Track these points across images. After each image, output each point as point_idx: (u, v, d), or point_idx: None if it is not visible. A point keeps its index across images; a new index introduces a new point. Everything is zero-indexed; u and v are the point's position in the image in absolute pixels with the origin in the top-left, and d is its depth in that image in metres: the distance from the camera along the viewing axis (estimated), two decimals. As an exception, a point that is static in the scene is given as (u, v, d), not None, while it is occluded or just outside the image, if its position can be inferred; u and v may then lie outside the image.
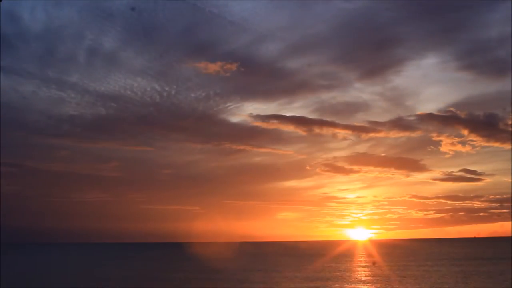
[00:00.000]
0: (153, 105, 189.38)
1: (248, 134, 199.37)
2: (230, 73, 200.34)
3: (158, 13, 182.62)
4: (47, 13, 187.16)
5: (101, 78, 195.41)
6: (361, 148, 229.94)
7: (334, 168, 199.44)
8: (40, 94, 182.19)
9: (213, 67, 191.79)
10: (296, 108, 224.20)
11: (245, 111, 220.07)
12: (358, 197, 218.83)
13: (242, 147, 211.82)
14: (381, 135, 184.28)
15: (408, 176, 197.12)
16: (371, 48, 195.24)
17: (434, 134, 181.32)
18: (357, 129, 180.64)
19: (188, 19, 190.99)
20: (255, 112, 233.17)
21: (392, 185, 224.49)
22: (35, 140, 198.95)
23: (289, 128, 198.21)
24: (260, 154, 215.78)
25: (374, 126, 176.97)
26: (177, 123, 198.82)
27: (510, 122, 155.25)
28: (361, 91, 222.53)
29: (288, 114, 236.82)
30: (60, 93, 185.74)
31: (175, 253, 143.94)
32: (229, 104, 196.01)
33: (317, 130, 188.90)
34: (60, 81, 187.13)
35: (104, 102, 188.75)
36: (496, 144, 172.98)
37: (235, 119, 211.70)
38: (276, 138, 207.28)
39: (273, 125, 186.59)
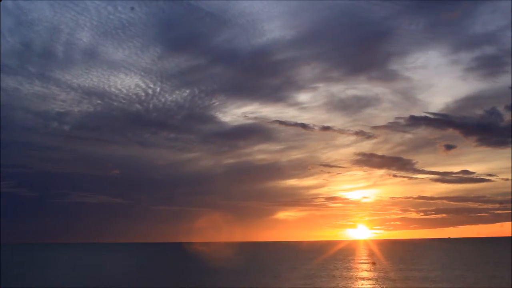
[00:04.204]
0: (139, 102, 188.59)
1: (245, 133, 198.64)
2: (214, 69, 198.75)
3: (134, 7, 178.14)
4: (17, 5, 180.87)
5: (83, 74, 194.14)
6: (362, 148, 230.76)
7: (335, 168, 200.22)
8: (23, 91, 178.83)
9: (197, 63, 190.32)
10: (287, 105, 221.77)
11: (232, 109, 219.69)
12: (360, 197, 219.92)
13: (238, 146, 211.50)
14: (380, 137, 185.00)
15: (409, 177, 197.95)
16: (360, 44, 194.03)
17: (432, 136, 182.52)
18: (358, 132, 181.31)
19: (166, 12, 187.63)
20: (243, 110, 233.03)
21: (393, 185, 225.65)
22: (27, 139, 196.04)
23: (286, 126, 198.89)
24: (258, 153, 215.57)
25: (373, 129, 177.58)
26: (165, 121, 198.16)
27: (508, 123, 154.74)
28: (353, 87, 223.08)
29: (276, 112, 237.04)
30: (44, 89, 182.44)
31: (175, 253, 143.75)
32: (214, 101, 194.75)
33: (314, 129, 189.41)
34: (42, 77, 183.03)
35: (90, 99, 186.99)
36: (489, 149, 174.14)
37: (225, 117, 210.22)
38: (273, 137, 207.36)
39: (271, 124, 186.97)
